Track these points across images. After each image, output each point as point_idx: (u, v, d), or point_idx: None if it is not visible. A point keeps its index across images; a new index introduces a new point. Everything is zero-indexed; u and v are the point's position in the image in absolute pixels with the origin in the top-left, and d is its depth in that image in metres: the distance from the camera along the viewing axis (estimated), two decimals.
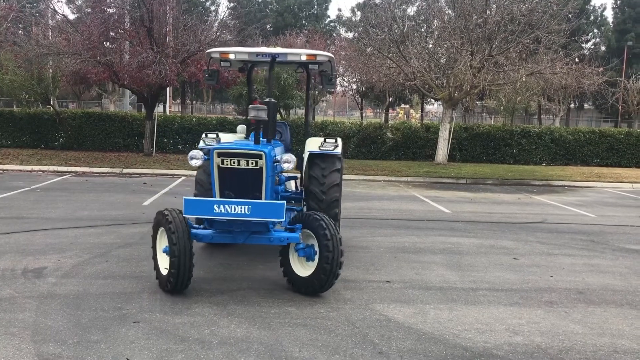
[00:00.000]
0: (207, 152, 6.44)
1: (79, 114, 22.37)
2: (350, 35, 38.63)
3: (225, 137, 7.63)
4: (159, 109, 32.36)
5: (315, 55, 7.36)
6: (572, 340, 5.30)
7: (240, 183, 6.14)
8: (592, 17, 53.62)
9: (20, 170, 16.87)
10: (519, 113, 44.60)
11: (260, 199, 6.11)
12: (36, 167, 17.24)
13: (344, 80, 39.14)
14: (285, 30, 41.92)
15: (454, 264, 7.89)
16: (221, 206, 5.78)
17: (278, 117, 26.04)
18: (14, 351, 4.65)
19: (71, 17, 24.52)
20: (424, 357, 4.79)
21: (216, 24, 22.98)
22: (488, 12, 19.67)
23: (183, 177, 16.66)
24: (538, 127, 25.93)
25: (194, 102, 61.79)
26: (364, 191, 15.11)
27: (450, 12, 21.98)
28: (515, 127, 24.77)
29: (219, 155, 6.07)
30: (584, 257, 8.65)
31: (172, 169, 17.82)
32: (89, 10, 21.31)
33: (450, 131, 21.56)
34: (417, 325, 5.52)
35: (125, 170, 17.47)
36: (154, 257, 6.38)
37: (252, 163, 6.06)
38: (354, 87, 40.78)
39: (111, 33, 20.30)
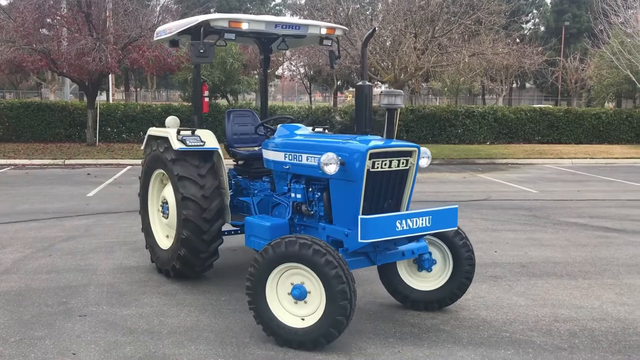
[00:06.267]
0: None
1: (16, 104, 21.52)
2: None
3: (205, 134, 6.10)
4: (102, 97, 31.47)
5: (334, 28, 6.39)
6: (515, 312, 5.49)
7: (384, 189, 4.95)
8: None
9: None
10: (463, 94, 45.55)
11: (399, 207, 5.08)
12: None
13: (291, 64, 39.02)
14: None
15: None
16: (403, 222, 4.59)
17: (224, 102, 25.75)
18: None
19: (3, 2, 23.46)
20: (373, 336, 4.87)
21: (158, 9, 22.45)
22: None
23: (128, 167, 16.30)
24: (482, 107, 26.50)
25: (138, 89, 60.38)
26: None
27: None
28: (459, 107, 25.24)
29: (372, 156, 4.77)
30: (526, 231, 8.95)
31: (116, 159, 17.42)
32: None
33: (397, 113, 21.79)
34: (366, 305, 5.60)
35: (67, 161, 16.96)
36: (262, 308, 4.64)
37: (403, 163, 4.96)
38: (302, 71, 40.74)
39: (47, 19, 19.54)
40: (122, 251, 7.44)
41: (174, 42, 6.74)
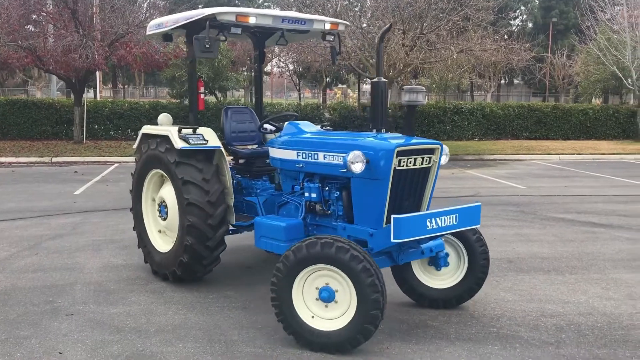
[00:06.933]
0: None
1: (2, 101, 21.30)
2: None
3: (206, 132, 5.91)
4: (89, 94, 31.23)
5: (337, 24, 6.28)
6: (502, 308, 5.52)
7: (407, 187, 4.85)
8: None
9: None
10: (451, 90, 45.65)
11: (420, 206, 5.01)
12: None
13: (280, 61, 38.88)
14: None
15: None
16: (433, 220, 4.54)
17: (212, 99, 25.64)
18: None
19: None
20: None
21: (145, 5, 22.31)
22: None
23: (116, 164, 16.21)
24: (470, 103, 26.59)
25: (126, 86, 59.94)
26: None
27: None
28: (448, 103, 25.30)
29: (399, 154, 4.66)
30: (514, 227, 8.99)
31: (104, 156, 17.32)
32: None
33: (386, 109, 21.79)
34: None
35: (54, 159, 16.83)
36: (288, 310, 4.53)
37: (426, 161, 4.88)
38: (291, 67, 40.67)
39: (33, 16, 19.36)
40: (109, 249, 7.39)
41: (167, 36, 6.52)
